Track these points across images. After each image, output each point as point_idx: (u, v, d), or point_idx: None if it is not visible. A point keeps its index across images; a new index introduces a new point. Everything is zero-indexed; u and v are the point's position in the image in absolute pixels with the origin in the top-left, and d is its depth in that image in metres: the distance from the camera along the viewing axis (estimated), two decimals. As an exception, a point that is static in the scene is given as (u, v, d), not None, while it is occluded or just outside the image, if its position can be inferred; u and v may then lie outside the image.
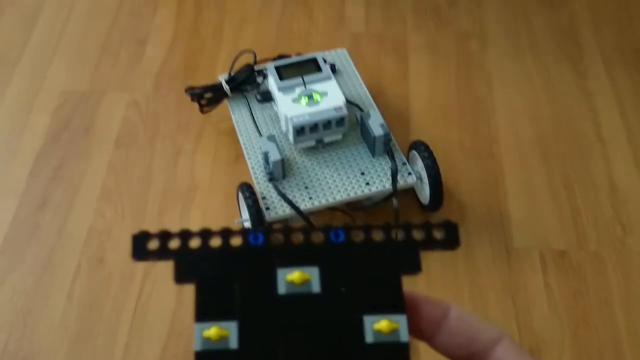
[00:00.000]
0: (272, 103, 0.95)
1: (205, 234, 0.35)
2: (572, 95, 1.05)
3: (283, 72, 0.91)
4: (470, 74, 1.08)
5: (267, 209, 0.85)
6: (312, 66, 0.92)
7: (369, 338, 0.33)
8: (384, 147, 0.89)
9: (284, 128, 0.91)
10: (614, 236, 0.89)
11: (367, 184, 0.87)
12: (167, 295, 0.86)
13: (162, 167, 0.98)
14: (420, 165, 0.88)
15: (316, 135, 0.89)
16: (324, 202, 0.86)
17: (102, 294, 0.86)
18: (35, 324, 0.84)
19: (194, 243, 0.35)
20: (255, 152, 0.92)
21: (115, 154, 1.00)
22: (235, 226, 0.33)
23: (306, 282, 0.34)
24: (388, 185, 0.86)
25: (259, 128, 0.95)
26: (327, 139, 0.90)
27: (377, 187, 0.87)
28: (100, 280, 0.87)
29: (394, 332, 0.33)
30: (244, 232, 0.35)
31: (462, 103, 1.05)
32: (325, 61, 0.93)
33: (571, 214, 0.91)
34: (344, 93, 0.90)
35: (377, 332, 0.33)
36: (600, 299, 0.84)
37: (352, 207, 0.90)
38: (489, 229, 0.90)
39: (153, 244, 0.34)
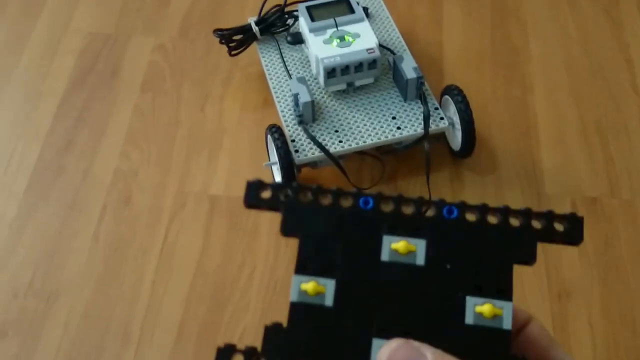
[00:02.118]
0: (303, 45, 0.93)
1: (317, 191, 0.35)
2: (608, 45, 1.03)
3: (314, 13, 0.90)
4: (506, 22, 1.07)
5: (297, 151, 0.83)
6: (344, 7, 0.90)
7: (469, 319, 0.33)
8: (416, 91, 0.87)
9: (314, 70, 0.89)
10: (647, 186, 0.89)
11: (398, 128, 0.85)
12: (194, 237, 0.85)
13: (189, 111, 0.97)
14: (452, 110, 0.86)
15: (347, 78, 0.87)
16: (354, 145, 0.84)
17: (128, 234, 0.86)
18: (61, 263, 0.84)
19: (305, 198, 0.35)
20: (284, 95, 0.90)
21: (141, 98, 0.99)
22: (348, 187, 0.33)
23: (411, 253, 0.34)
24: (419, 129, 0.85)
25: (289, 71, 0.93)
26: (358, 82, 0.88)
27: (408, 132, 0.85)
28: (126, 221, 0.87)
29: (497, 318, 0.33)
30: (355, 194, 0.35)
31: (496, 51, 1.03)
32: (358, 3, 0.91)
33: (604, 162, 0.90)
34: (376, 36, 0.88)
35: (479, 315, 0.33)
36: (631, 247, 0.83)
37: (382, 151, 0.89)
38: (520, 176, 0.89)
39: (266, 193, 0.35)
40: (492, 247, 0.34)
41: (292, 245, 0.83)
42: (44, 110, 0.98)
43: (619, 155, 0.91)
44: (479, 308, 0.33)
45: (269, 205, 0.35)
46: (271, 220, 0.86)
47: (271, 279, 0.82)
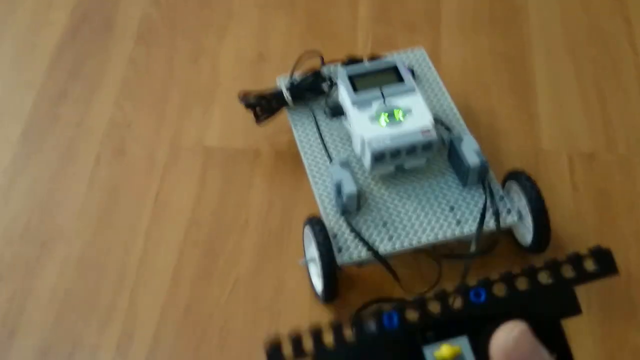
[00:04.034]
0: (342, 117, 0.79)
1: (338, 328, 0.32)
2: (606, 4, 1.02)
3: (357, 83, 0.77)
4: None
5: (340, 250, 0.72)
6: (391, 75, 0.77)
7: None
8: (478, 177, 0.75)
9: (357, 150, 0.77)
10: (644, 141, 0.88)
11: (458, 222, 0.74)
12: (188, 187, 0.85)
13: (183, 64, 0.97)
14: (516, 198, 0.75)
15: (397, 162, 0.75)
16: (406, 244, 0.73)
17: (122, 183, 0.86)
18: (55, 211, 0.84)
19: (328, 339, 0.32)
20: (322, 177, 0.78)
21: (135, 50, 0.98)
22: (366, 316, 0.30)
23: (458, 356, 0.32)
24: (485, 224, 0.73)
25: (327, 147, 0.81)
26: (408, 165, 0.77)
27: (470, 228, 0.73)
28: (120, 170, 0.87)
29: None
30: (376, 316, 0.32)
31: (494, 9, 1.02)
32: (405, 66, 0.79)
33: (601, 118, 0.90)
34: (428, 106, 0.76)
35: None
36: (627, 202, 0.83)
37: (438, 251, 0.76)
38: (518, 131, 0.89)
39: (287, 349, 0.32)
40: (532, 314, 0.32)
41: (285, 199, 0.83)
42: (38, 62, 0.97)
43: (615, 111, 0.91)
44: None
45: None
46: (264, 172, 0.86)
47: (264, 230, 0.82)
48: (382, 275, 0.74)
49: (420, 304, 0.32)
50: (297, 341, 0.32)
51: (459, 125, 0.82)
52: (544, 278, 0.32)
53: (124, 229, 0.82)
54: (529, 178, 0.74)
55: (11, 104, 0.93)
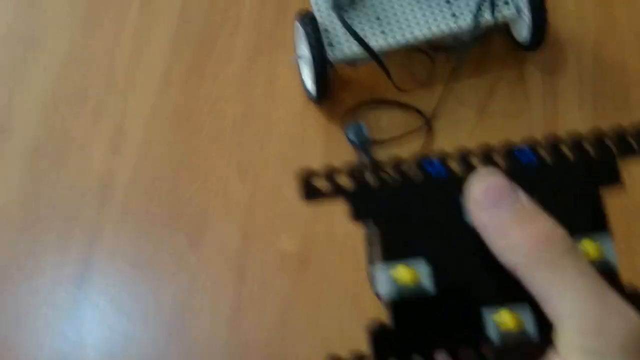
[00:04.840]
0: None
1: (377, 168, 0.32)
2: None
3: None
4: None
5: (331, 45, 0.70)
6: None
7: None
8: None
9: None
10: None
11: (454, 15, 0.71)
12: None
13: None
14: None
15: None
16: (400, 39, 0.70)
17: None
18: (40, 10, 0.82)
19: (369, 179, 0.32)
20: None
21: None
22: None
23: (522, 329, 0.31)
24: (480, 17, 0.70)
25: None
26: None
27: (466, 21, 0.70)
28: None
29: (602, 254, 0.32)
30: (419, 162, 0.32)
31: None
32: None
33: None
34: None
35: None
36: (628, 3, 0.80)
37: (434, 47, 0.75)
38: None
39: (321, 182, 0.32)
40: (573, 181, 0.32)
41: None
42: None
43: None
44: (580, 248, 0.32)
45: (331, 196, 0.32)
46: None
47: (257, 27, 0.80)
48: (375, 75, 0.73)
49: (463, 157, 0.32)
50: (331, 174, 0.32)
51: None
52: (588, 146, 0.33)
53: (111, 27, 0.80)
54: None
55: None
